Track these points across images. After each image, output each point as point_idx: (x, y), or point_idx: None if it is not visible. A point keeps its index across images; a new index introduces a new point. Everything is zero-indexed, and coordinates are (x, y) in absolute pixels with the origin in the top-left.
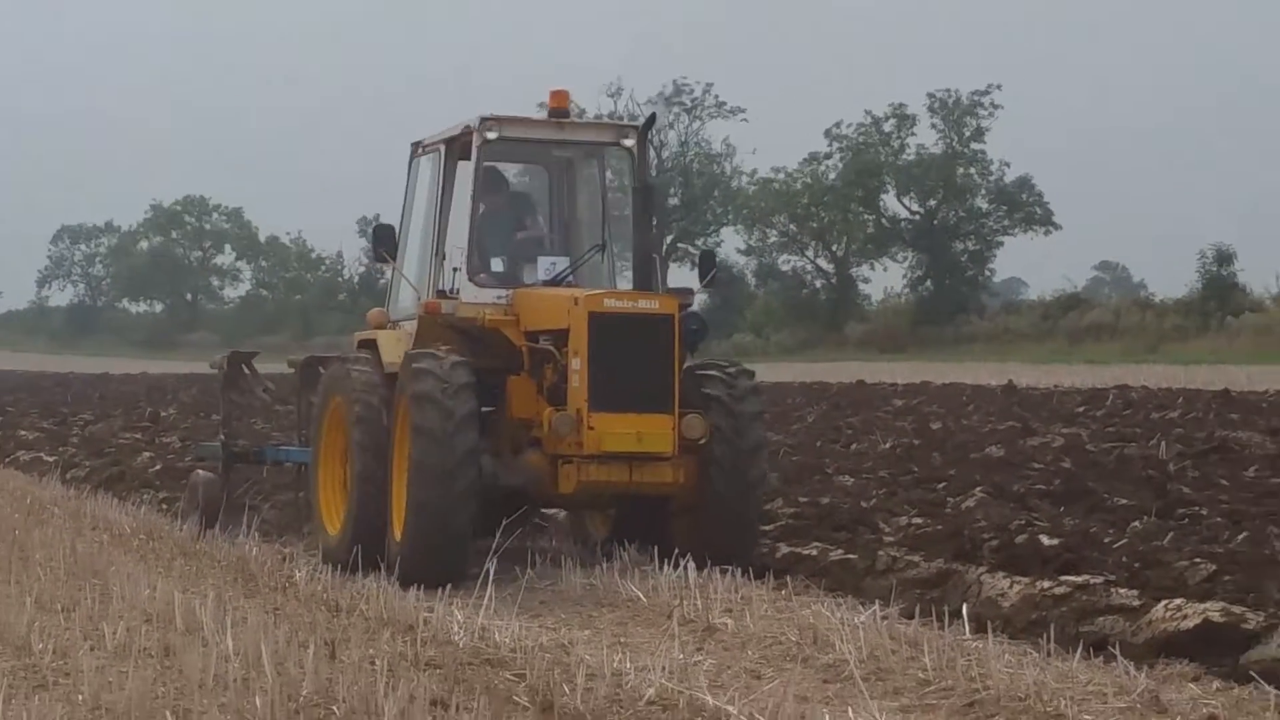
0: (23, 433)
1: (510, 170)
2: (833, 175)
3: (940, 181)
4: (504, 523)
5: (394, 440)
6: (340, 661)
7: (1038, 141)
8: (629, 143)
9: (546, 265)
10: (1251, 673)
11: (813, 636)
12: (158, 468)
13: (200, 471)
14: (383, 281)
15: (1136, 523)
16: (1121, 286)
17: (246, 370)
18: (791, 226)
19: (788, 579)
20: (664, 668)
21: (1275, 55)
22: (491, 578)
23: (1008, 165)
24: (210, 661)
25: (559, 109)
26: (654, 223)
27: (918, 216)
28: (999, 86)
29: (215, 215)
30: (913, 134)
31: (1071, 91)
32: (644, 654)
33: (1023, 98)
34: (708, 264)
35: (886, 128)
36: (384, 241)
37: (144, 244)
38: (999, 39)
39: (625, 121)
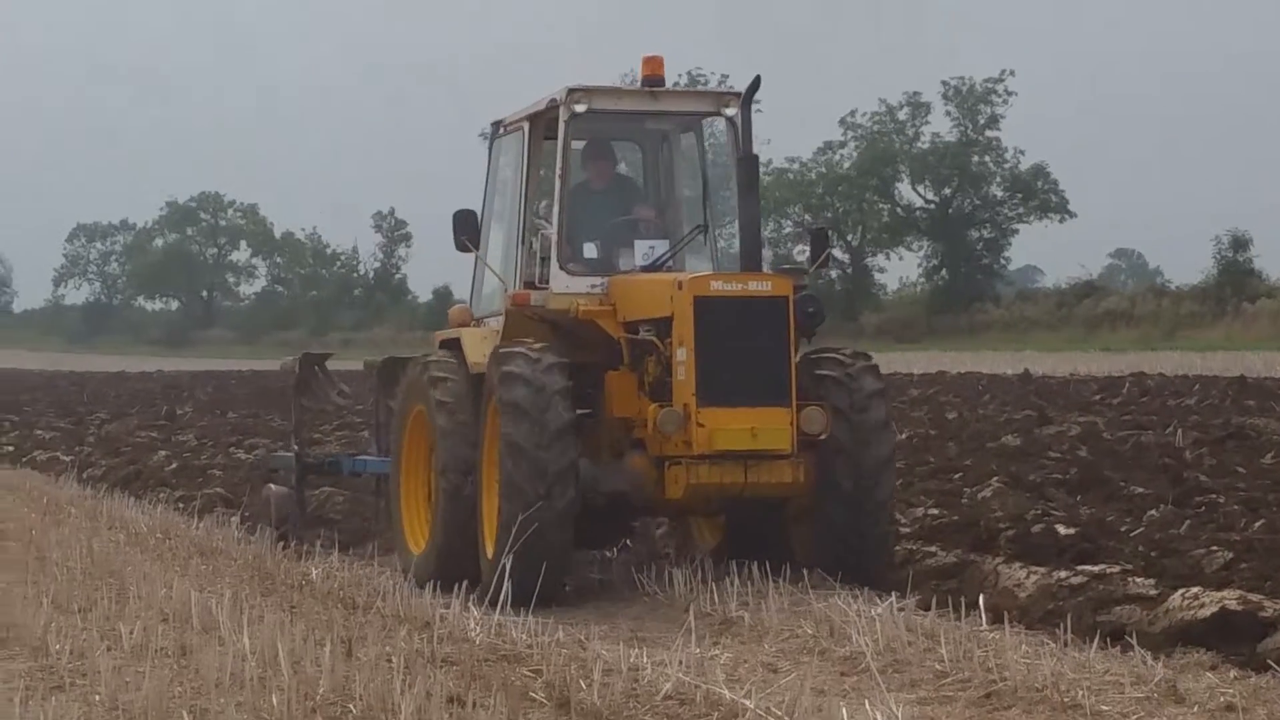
0: (39, 432)
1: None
2: (847, 164)
3: (955, 169)
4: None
5: (483, 446)
6: (357, 659)
7: (1053, 128)
8: (730, 112)
9: (644, 249)
10: (1269, 661)
11: (829, 629)
12: (174, 466)
13: (273, 485)
14: (399, 277)
15: (1153, 511)
16: (1137, 273)
17: (319, 373)
18: (806, 217)
19: (804, 572)
20: (681, 662)
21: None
22: (508, 574)
23: (1022, 153)
24: (227, 660)
25: (654, 77)
26: (759, 197)
27: (933, 205)
28: (1013, 73)
29: (230, 212)
30: (927, 122)
31: (1086, 78)
32: (660, 648)
33: (1038, 85)
34: (820, 243)
35: (901, 116)
36: (466, 228)
37: (159, 241)
38: (1014, 25)
39: (726, 89)
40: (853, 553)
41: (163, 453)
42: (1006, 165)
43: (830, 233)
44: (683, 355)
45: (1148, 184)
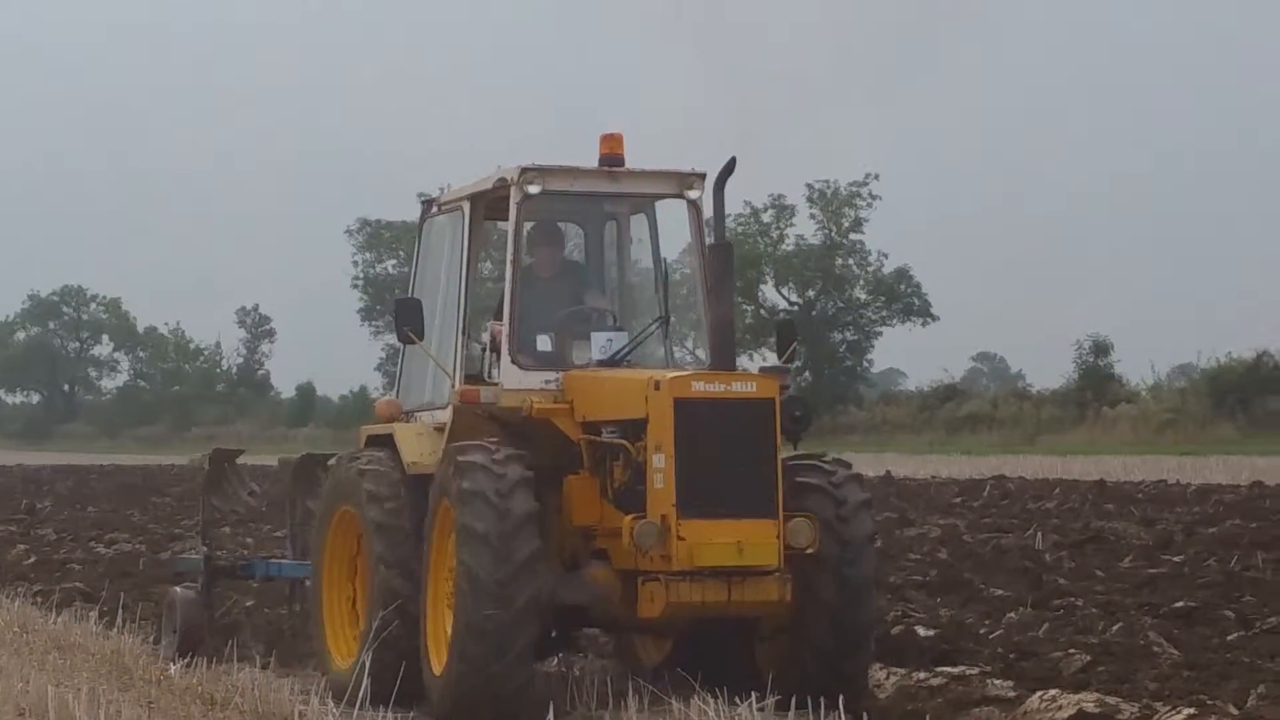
0: None
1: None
2: None
3: (819, 272)
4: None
5: (429, 553)
6: None
7: (916, 233)
8: (694, 194)
9: (601, 342)
10: None
11: None
12: (32, 560)
13: (178, 589)
14: (262, 373)
15: (1012, 613)
16: (999, 377)
17: (229, 470)
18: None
19: (664, 673)
20: None
21: (1150, 149)
22: (367, 670)
23: (886, 256)
24: None
25: (612, 156)
26: (734, 289)
27: (796, 307)
28: (877, 177)
29: (93, 306)
30: (791, 224)
31: (950, 183)
32: None
33: (901, 189)
34: (787, 337)
35: (765, 218)
36: (410, 319)
37: (21, 334)
38: (877, 131)
39: (691, 169)
40: (835, 676)
41: (21, 546)
42: (870, 268)
43: (795, 323)
44: (660, 461)
45: (1010, 289)
